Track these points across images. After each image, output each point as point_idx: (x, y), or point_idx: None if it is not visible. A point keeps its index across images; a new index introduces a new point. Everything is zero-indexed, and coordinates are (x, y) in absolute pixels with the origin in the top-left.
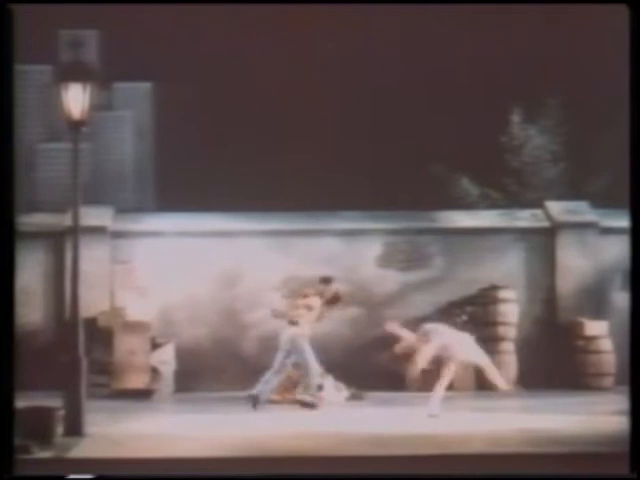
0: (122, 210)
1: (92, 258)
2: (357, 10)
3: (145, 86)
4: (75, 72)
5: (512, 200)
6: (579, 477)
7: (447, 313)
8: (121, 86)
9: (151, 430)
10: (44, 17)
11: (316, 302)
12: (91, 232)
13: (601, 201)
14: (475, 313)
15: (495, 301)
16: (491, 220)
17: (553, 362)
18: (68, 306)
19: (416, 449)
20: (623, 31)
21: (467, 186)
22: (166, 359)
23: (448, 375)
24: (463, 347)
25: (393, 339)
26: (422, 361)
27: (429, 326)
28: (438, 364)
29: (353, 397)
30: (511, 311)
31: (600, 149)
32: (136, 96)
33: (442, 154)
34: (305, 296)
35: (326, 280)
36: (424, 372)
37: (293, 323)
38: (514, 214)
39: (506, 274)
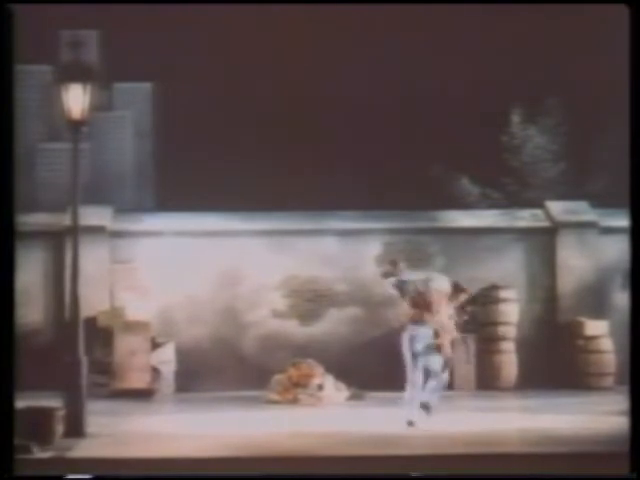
0: (122, 210)
1: (92, 258)
2: (358, 11)
3: (145, 86)
4: (75, 72)
5: (512, 200)
6: (579, 477)
7: None
8: (121, 86)
9: (151, 430)
10: (44, 17)
11: None
12: (90, 232)
13: (601, 201)
14: (475, 313)
15: (495, 301)
16: (491, 220)
17: (553, 362)
18: (68, 306)
19: (416, 449)
20: (623, 31)
21: (467, 186)
22: (166, 359)
23: None
24: None
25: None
26: None
27: None
28: None
29: (353, 397)
30: (511, 311)
31: (600, 149)
32: (136, 96)
33: (442, 154)
34: None
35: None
36: None
37: None
38: (514, 214)
39: (506, 274)
